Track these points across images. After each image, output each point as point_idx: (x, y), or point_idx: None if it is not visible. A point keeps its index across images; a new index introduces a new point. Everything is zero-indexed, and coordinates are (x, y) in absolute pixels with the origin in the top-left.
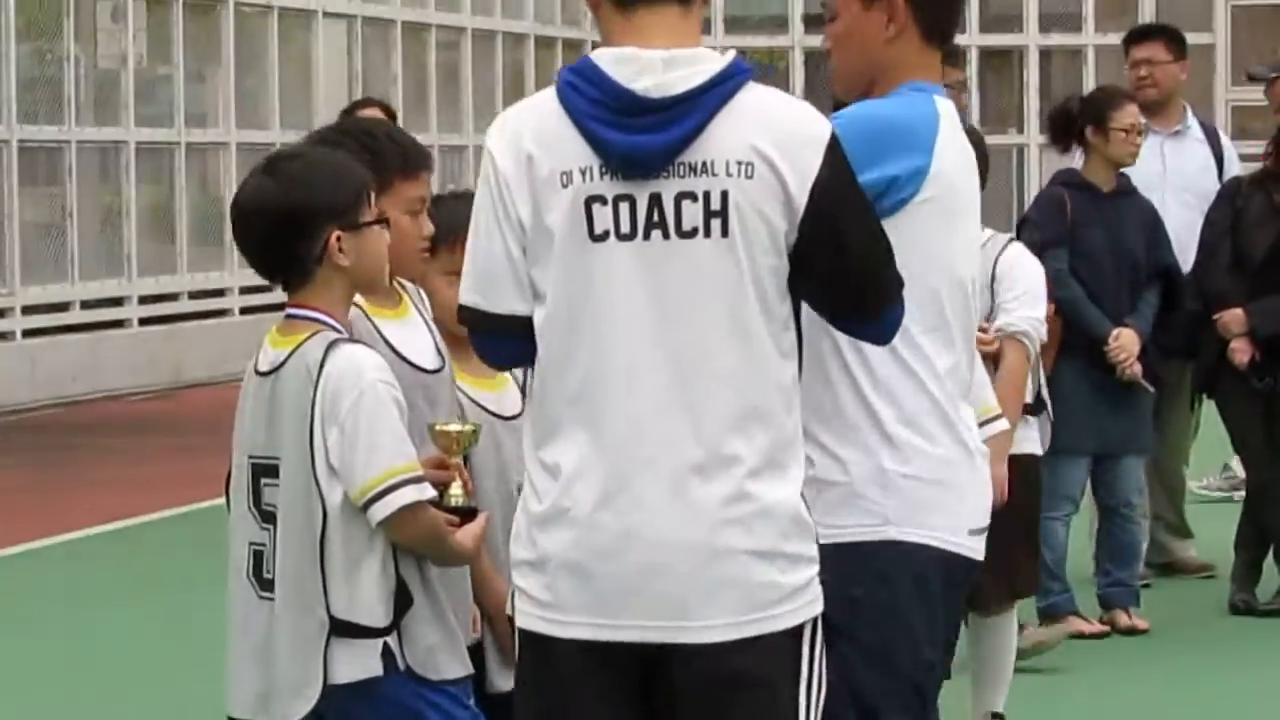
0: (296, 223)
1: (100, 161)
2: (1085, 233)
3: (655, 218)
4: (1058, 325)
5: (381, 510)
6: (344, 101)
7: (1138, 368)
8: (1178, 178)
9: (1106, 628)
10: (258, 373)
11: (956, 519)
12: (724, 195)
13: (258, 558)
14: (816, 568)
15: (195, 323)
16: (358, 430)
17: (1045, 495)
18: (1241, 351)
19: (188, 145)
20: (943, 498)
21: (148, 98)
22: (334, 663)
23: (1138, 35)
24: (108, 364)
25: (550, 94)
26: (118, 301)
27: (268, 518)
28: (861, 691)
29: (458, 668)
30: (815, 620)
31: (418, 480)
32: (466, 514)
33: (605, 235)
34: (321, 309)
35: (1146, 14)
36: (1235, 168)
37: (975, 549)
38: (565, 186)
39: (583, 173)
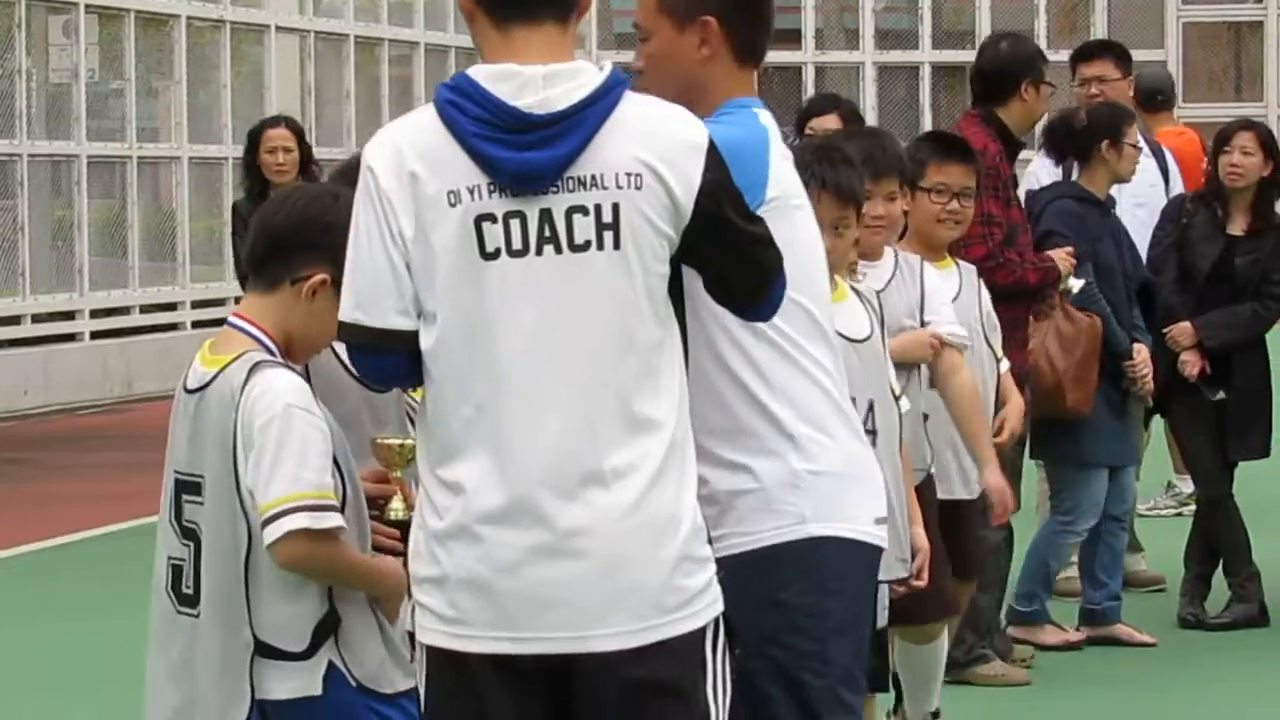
0: (311, 238)
1: (52, 175)
2: (1100, 247)
3: (547, 233)
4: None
5: (268, 536)
6: (297, 116)
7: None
8: (1129, 193)
9: (1082, 637)
10: (186, 390)
11: (864, 509)
12: (615, 208)
13: (176, 572)
14: (714, 568)
15: (147, 336)
16: (263, 453)
17: (1073, 509)
18: (1192, 364)
19: (139, 159)
20: (851, 490)
21: (99, 112)
22: (263, 680)
23: (1087, 53)
24: (59, 377)
25: (430, 111)
26: (69, 315)
27: (187, 534)
28: (804, 694)
29: (407, 679)
30: (717, 620)
31: (317, 509)
32: (402, 526)
33: (497, 253)
34: (263, 328)
35: (1098, 31)
36: (1180, 183)
37: (882, 537)
38: (453, 205)
39: (471, 191)
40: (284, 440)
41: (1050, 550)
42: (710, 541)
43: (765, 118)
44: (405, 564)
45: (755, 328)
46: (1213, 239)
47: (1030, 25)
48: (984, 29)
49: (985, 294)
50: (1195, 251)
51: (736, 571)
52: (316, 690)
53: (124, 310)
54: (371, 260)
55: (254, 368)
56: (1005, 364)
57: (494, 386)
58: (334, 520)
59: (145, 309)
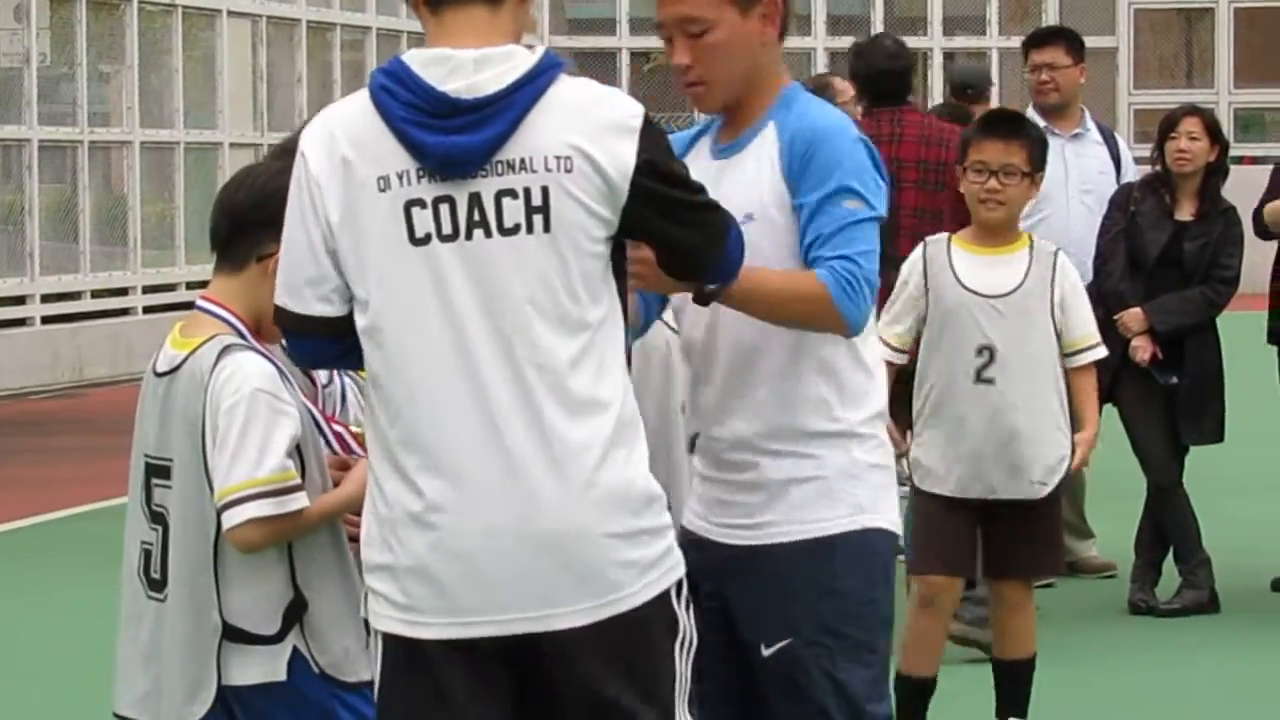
0: (275, 213)
1: (3, 159)
2: None
3: (476, 216)
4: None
5: (228, 519)
6: (249, 101)
7: None
8: (1079, 180)
9: None
10: (156, 373)
11: (894, 500)
12: (544, 191)
13: (146, 557)
14: (673, 534)
15: (98, 321)
16: (227, 437)
17: None
18: (1143, 349)
19: (91, 144)
20: (890, 484)
21: (51, 96)
22: (229, 665)
23: (1038, 40)
24: (9, 362)
25: (364, 96)
26: (20, 300)
27: (157, 518)
28: (852, 683)
29: (371, 668)
30: (679, 582)
31: (279, 493)
32: None
33: (427, 238)
34: (231, 309)
35: (1050, 17)
36: (1131, 170)
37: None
38: (383, 191)
39: (400, 176)
40: (249, 423)
41: None
42: (749, 527)
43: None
44: None
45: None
46: (1161, 225)
47: (982, 12)
48: (936, 14)
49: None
50: (1144, 238)
51: (793, 558)
52: (281, 676)
53: (75, 295)
54: (296, 247)
55: (224, 351)
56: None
57: (432, 372)
58: (298, 503)
59: (96, 294)
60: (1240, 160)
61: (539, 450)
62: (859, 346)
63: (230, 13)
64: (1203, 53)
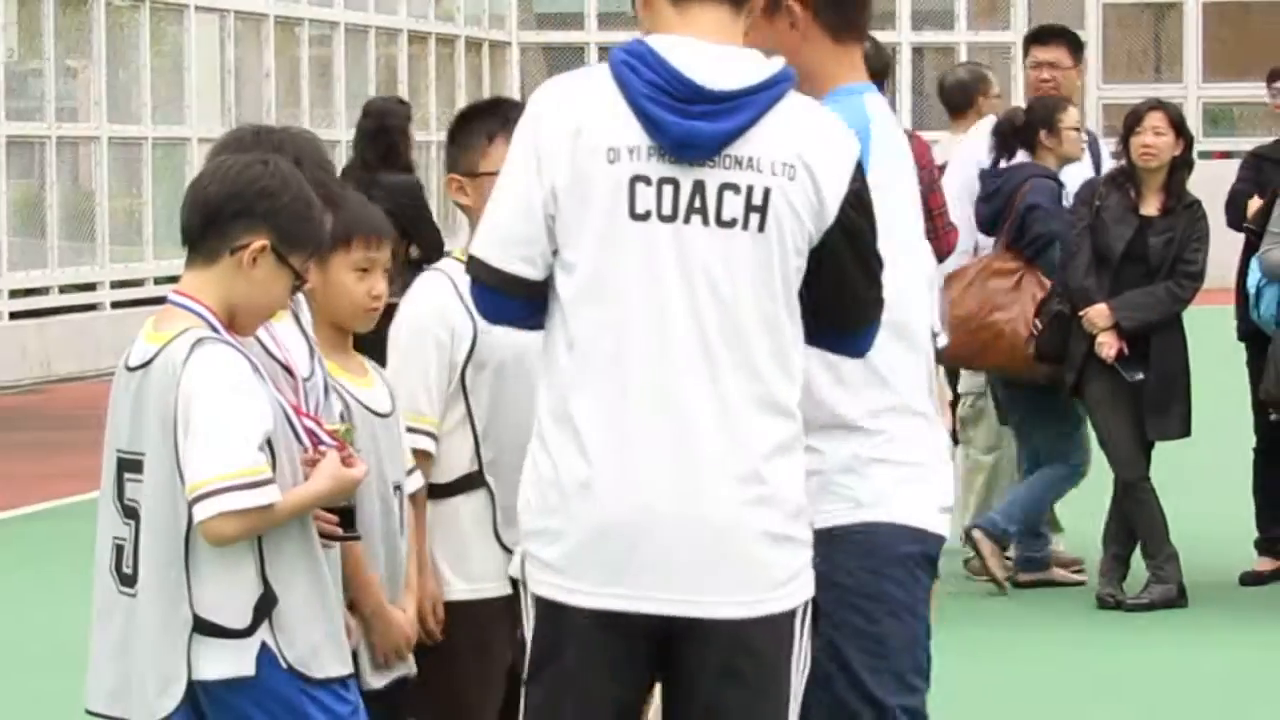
0: (247, 205)
1: None
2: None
3: (697, 204)
4: None
5: (200, 512)
6: (217, 96)
7: None
8: (1066, 180)
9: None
10: (128, 368)
11: (925, 497)
12: (766, 192)
13: (119, 552)
14: (811, 553)
15: (65, 317)
16: (199, 430)
17: (1081, 455)
18: (1109, 345)
19: (59, 139)
20: (911, 477)
21: (18, 91)
22: (198, 659)
23: (1043, 37)
24: None
25: (602, 70)
26: None
27: (129, 513)
28: (860, 674)
29: (339, 666)
30: (808, 603)
31: (254, 485)
32: (344, 513)
33: (647, 215)
34: (204, 302)
35: (1019, 12)
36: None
37: (944, 525)
38: (612, 163)
39: (631, 151)
40: (220, 418)
41: (1054, 493)
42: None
43: (873, 104)
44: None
45: None
46: (1126, 220)
47: (950, 6)
48: (905, 8)
49: None
50: (1109, 233)
51: None
52: (249, 670)
53: (43, 290)
54: (514, 206)
55: (197, 344)
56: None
57: (626, 344)
58: (270, 496)
59: (64, 289)
60: (1209, 155)
61: (717, 437)
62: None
63: (198, 8)
64: (1171, 47)
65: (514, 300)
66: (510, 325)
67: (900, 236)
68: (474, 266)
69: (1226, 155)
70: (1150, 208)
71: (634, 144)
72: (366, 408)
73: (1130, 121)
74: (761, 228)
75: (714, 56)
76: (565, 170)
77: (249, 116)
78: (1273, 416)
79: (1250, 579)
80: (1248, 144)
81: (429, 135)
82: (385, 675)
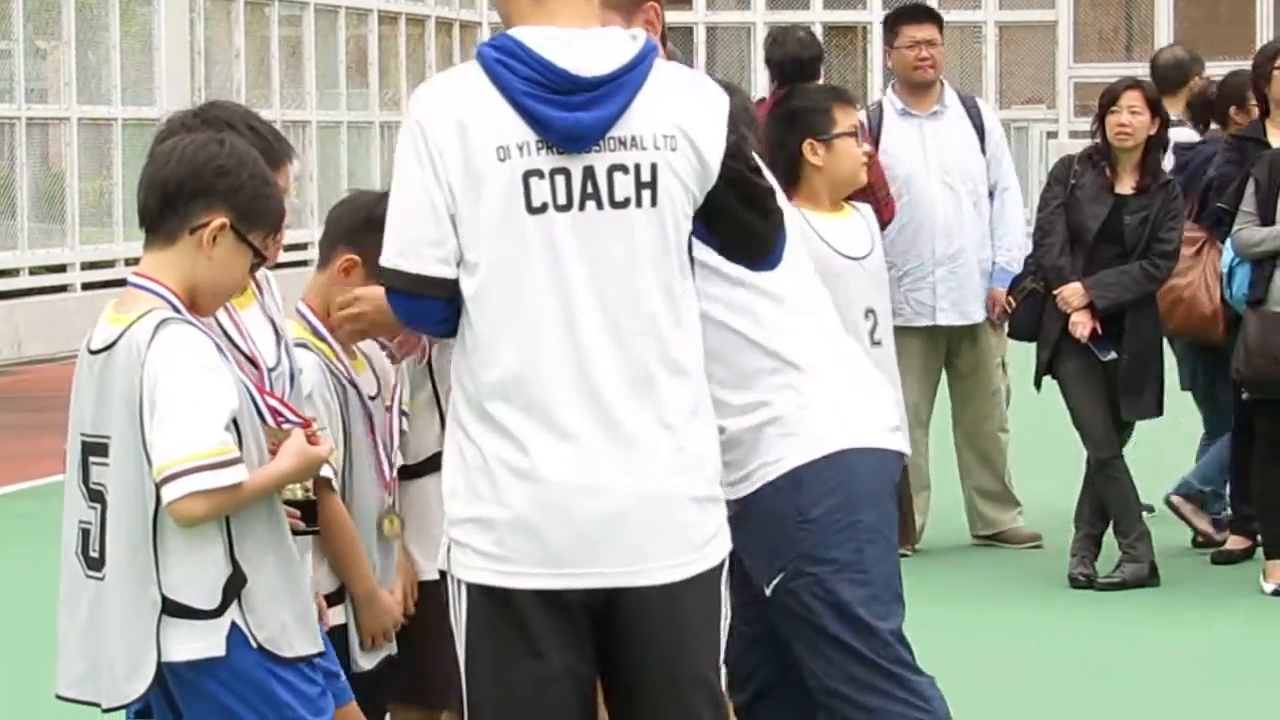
0: (205, 183)
1: None
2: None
3: (589, 189)
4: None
5: (168, 493)
6: (186, 77)
7: None
8: (939, 164)
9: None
10: (90, 350)
11: (876, 419)
12: (653, 167)
13: (85, 536)
14: (725, 510)
15: (36, 299)
16: (165, 411)
17: None
18: (1082, 325)
19: (28, 120)
20: (860, 404)
21: None
22: (168, 641)
23: (916, 15)
24: None
25: (475, 69)
26: None
27: (95, 496)
28: (846, 603)
29: (309, 645)
30: (725, 559)
31: (221, 465)
32: (303, 506)
33: (544, 207)
34: (164, 283)
35: None
36: (997, 136)
37: (901, 442)
38: (502, 160)
39: (520, 148)
40: (186, 399)
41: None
42: (735, 483)
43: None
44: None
45: (733, 280)
46: (1100, 199)
47: None
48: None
49: None
50: (1084, 212)
51: (769, 497)
52: (220, 651)
53: (13, 272)
54: (417, 210)
55: (160, 325)
56: None
57: (539, 333)
58: (237, 476)
59: (34, 271)
60: None
61: (642, 410)
62: (780, 294)
63: None
64: (1143, 26)
65: (435, 302)
66: (431, 331)
67: None
68: (390, 277)
69: None
70: (1125, 186)
71: (522, 140)
72: (360, 391)
73: (1106, 100)
74: (654, 202)
75: (581, 43)
76: (459, 170)
77: (218, 97)
78: (1244, 395)
79: (1222, 558)
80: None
81: (400, 116)
82: (374, 656)
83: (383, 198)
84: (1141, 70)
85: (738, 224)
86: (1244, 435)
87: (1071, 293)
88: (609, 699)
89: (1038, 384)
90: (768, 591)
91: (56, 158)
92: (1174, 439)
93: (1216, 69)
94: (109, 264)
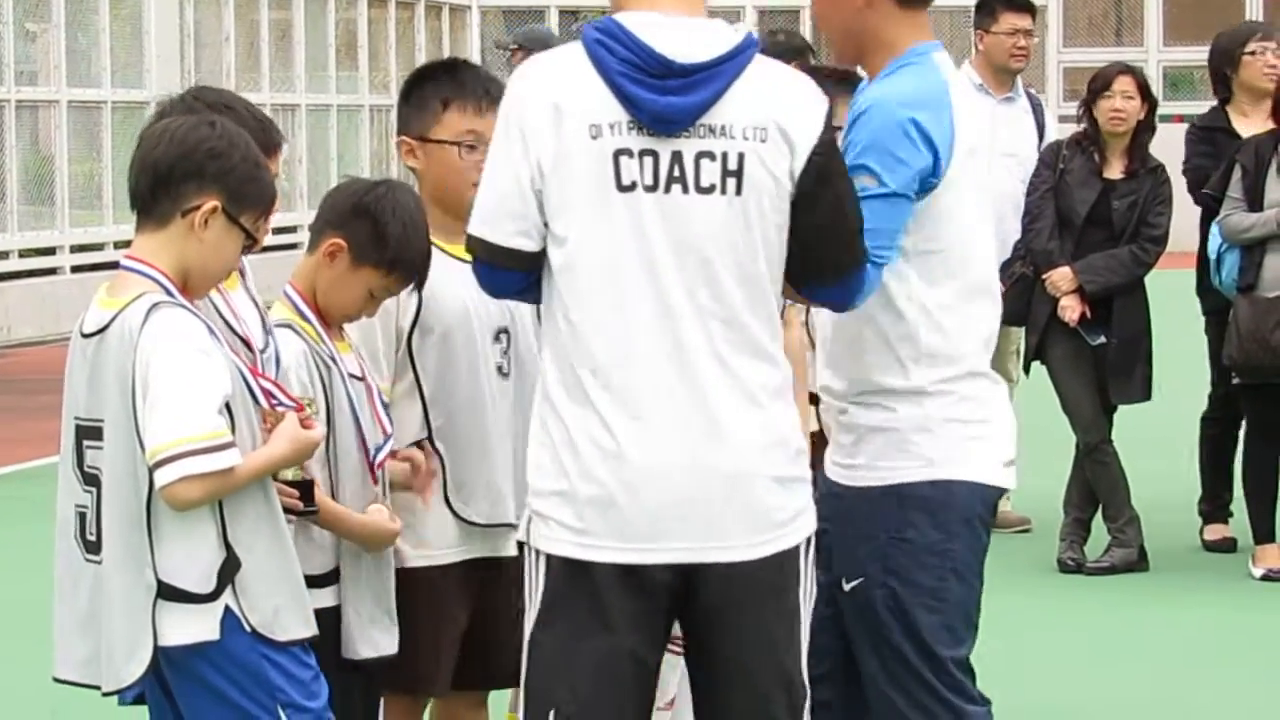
0: (196, 166)
1: None
2: None
3: (676, 173)
4: None
5: (162, 477)
6: (176, 60)
7: None
8: (1005, 142)
9: None
10: (83, 334)
11: (993, 453)
12: (740, 157)
13: (81, 520)
14: (810, 489)
15: (25, 281)
16: (158, 395)
17: None
18: (1071, 309)
19: (18, 103)
20: (981, 434)
21: None
22: (163, 625)
23: (1013, 3)
24: None
25: (577, 49)
26: None
27: (90, 480)
28: (918, 626)
29: (301, 628)
30: (810, 538)
31: (215, 449)
32: (301, 486)
33: (632, 186)
34: (157, 266)
35: None
36: (1047, 139)
37: (1009, 479)
38: (595, 139)
39: (612, 127)
40: (179, 382)
41: None
42: (840, 465)
43: (945, 64)
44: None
45: (902, 281)
46: (1089, 183)
47: None
48: None
49: None
50: (1072, 196)
51: (868, 503)
52: (214, 635)
53: (2, 255)
54: (503, 184)
55: (152, 308)
56: None
57: (622, 309)
58: (230, 459)
59: (24, 254)
60: (1169, 119)
61: (723, 391)
62: (936, 314)
63: None
64: (1132, 11)
65: (514, 273)
66: (512, 298)
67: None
68: (473, 244)
69: (1184, 120)
70: (1114, 171)
71: (614, 120)
72: (345, 371)
73: (1097, 85)
74: (739, 191)
75: (682, 30)
76: (550, 147)
77: (208, 80)
78: (1235, 380)
79: (1217, 545)
80: (1208, 108)
81: (389, 100)
82: (372, 647)
83: (375, 186)
84: (1131, 55)
85: (808, 229)
86: (1225, 425)
87: (1060, 277)
88: (696, 701)
89: (1026, 368)
90: (846, 588)
91: (46, 141)
92: (1156, 424)
93: (1207, 54)
94: (98, 247)
